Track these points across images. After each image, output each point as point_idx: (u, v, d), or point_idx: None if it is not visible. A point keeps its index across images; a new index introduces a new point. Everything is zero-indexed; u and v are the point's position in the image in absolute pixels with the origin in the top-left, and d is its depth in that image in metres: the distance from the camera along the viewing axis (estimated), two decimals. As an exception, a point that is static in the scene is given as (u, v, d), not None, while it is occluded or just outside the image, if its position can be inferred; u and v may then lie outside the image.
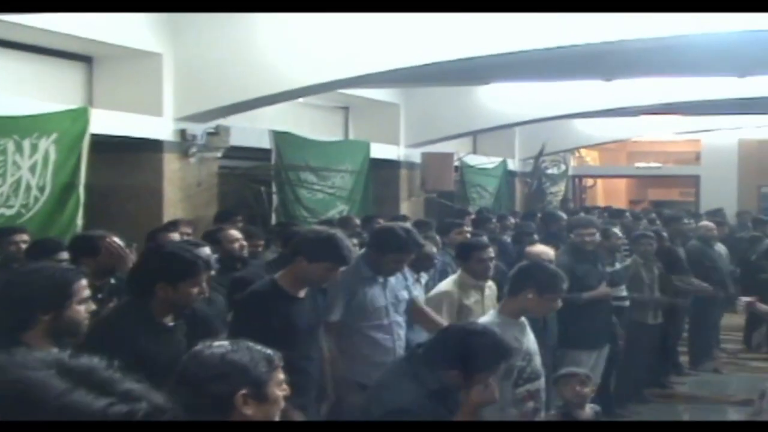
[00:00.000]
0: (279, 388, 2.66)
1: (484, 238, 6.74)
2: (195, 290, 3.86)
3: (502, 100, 12.92)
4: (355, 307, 5.18)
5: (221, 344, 2.68)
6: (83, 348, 3.48)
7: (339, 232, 4.76)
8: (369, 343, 5.20)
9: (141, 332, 3.71)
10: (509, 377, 4.55)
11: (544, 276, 4.79)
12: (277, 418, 2.67)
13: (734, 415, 8.05)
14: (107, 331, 3.68)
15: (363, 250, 5.60)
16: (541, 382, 4.79)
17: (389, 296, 5.31)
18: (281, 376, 2.68)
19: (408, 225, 5.67)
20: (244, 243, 6.53)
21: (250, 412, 2.55)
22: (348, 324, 5.17)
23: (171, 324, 3.88)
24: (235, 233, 6.57)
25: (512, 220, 11.20)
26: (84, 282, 3.39)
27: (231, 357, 2.59)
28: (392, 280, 5.34)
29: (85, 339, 3.44)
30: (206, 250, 4.99)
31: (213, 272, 4.76)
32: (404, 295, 5.41)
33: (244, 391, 2.55)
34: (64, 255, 5.29)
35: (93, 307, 3.42)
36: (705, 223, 11.04)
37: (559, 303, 4.87)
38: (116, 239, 5.23)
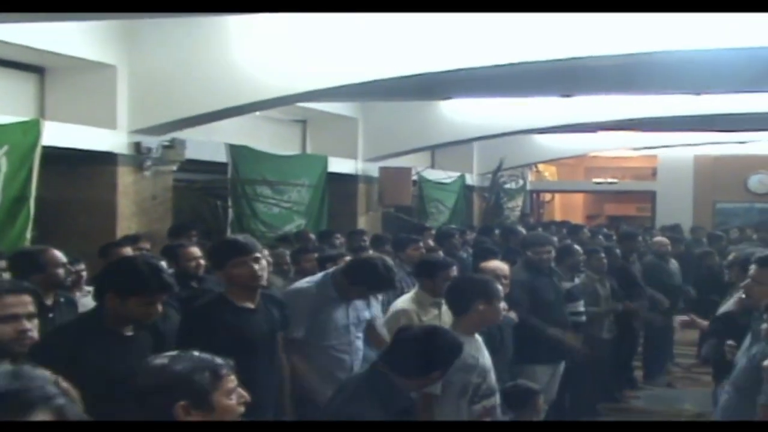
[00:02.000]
0: (228, 397, 2.69)
1: (443, 256, 6.75)
2: (144, 308, 3.78)
3: (461, 115, 12.92)
4: (318, 325, 5.19)
5: (168, 355, 2.73)
6: (34, 357, 3.41)
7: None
8: (329, 361, 5.22)
9: (91, 341, 3.66)
10: (465, 394, 4.54)
11: (487, 285, 4.83)
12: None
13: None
14: (53, 341, 3.60)
15: (332, 270, 5.56)
16: (496, 398, 4.78)
17: (352, 316, 5.37)
18: (231, 384, 2.70)
19: (390, 262, 5.65)
20: (202, 262, 6.45)
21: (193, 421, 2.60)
22: (310, 342, 5.17)
23: (129, 334, 3.81)
24: (194, 251, 6.50)
25: (471, 235, 11.19)
26: (8, 299, 3.22)
27: (171, 368, 2.64)
28: (357, 300, 5.41)
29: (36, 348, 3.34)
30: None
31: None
32: (365, 315, 5.50)
33: (183, 403, 2.58)
34: (2, 264, 5.22)
35: (27, 325, 3.20)
36: (659, 238, 11.10)
37: (503, 305, 4.91)
38: (57, 253, 5.15)
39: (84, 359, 3.45)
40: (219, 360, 2.73)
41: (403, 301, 5.91)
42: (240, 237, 4.75)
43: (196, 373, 2.64)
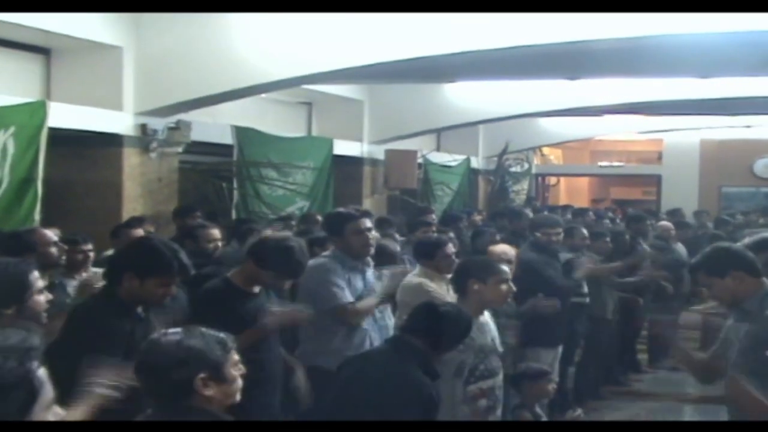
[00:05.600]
0: (235, 368, 2.80)
1: (446, 236, 6.78)
2: (162, 290, 3.87)
3: (467, 98, 12.91)
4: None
5: (175, 331, 2.79)
6: (66, 333, 3.65)
7: (298, 245, 4.73)
8: (345, 330, 5.26)
9: (117, 317, 3.76)
10: (460, 375, 4.54)
11: (482, 264, 4.86)
12: (237, 397, 2.81)
13: (692, 413, 8.09)
14: (85, 316, 3.75)
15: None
16: (497, 380, 4.77)
17: (366, 285, 5.43)
18: (235, 357, 2.81)
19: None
20: (220, 244, 6.56)
21: (211, 393, 2.70)
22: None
23: (142, 314, 3.91)
24: (215, 233, 6.56)
25: (478, 217, 11.19)
26: (37, 273, 3.46)
27: (187, 343, 2.72)
28: (369, 271, 5.47)
29: (66, 325, 3.63)
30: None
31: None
32: (377, 287, 5.49)
33: (203, 375, 2.69)
34: None
35: (50, 296, 3.46)
36: (663, 223, 11.08)
37: (508, 286, 4.86)
38: (48, 231, 5.15)
39: (115, 337, 3.60)
40: (222, 334, 2.82)
41: (414, 276, 5.87)
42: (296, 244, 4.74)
43: (210, 347, 2.74)
